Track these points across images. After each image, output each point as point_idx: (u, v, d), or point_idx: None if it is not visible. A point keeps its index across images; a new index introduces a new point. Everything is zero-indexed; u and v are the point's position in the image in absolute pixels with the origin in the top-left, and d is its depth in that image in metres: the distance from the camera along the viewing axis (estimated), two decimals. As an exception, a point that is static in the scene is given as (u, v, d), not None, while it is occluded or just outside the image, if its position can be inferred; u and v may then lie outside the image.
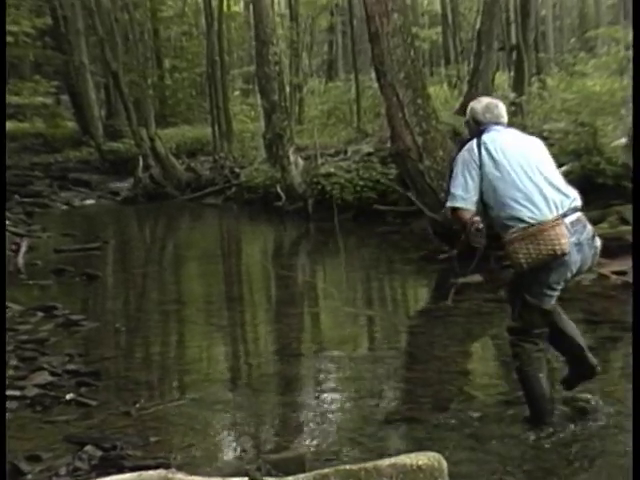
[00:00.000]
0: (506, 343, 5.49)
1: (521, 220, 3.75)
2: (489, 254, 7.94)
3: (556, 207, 3.77)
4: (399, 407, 4.61)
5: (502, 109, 4.09)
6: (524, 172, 3.82)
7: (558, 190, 3.85)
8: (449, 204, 3.96)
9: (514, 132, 4.11)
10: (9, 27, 26.18)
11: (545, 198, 3.78)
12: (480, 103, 4.12)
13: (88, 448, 3.91)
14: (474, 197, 3.88)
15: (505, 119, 4.09)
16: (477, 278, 7.63)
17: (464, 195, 3.88)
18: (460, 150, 4.10)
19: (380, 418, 4.37)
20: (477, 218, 3.90)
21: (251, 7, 16.05)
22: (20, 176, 20.65)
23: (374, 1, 8.67)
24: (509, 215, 3.79)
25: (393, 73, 8.73)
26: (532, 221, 3.71)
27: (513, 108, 11.97)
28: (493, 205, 3.86)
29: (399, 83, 8.71)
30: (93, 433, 4.21)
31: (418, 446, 3.85)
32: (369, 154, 13.42)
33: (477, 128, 4.04)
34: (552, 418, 3.95)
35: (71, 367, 5.32)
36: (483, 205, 3.91)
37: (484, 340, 6.22)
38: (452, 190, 3.94)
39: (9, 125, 27.85)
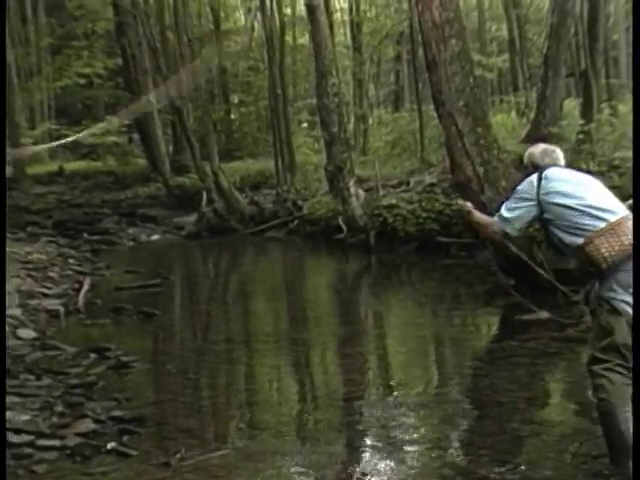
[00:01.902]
0: (576, 387, 5.17)
1: (591, 228, 3.77)
2: (556, 289, 7.57)
3: (623, 210, 3.86)
4: (454, 458, 4.29)
5: (559, 154, 4.22)
6: (588, 191, 3.92)
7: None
8: (500, 226, 4.13)
9: (573, 170, 4.19)
10: (83, 69, 27.11)
11: (611, 208, 3.85)
12: (537, 148, 4.28)
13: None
14: (518, 225, 4.06)
15: (562, 163, 4.19)
16: (543, 315, 7.27)
17: (514, 222, 4.05)
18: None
19: (432, 472, 4.06)
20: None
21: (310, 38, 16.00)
22: (90, 214, 21.06)
23: (430, 27, 8.43)
24: (576, 225, 3.81)
25: (452, 102, 8.45)
26: (603, 224, 3.74)
27: (582, 136, 11.55)
28: (558, 222, 3.90)
29: (458, 112, 8.43)
30: (130, 487, 4.03)
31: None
32: (432, 185, 13.14)
33: (535, 171, 4.12)
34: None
35: (116, 413, 5.15)
36: (545, 228, 4.02)
37: (551, 384, 5.83)
38: (505, 214, 4.09)
39: (83, 164, 28.66)
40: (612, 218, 3.76)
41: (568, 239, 3.85)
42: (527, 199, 3.99)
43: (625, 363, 3.63)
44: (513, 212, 4.04)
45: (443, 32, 8.46)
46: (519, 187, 4.11)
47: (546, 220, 3.96)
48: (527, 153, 4.29)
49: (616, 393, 3.62)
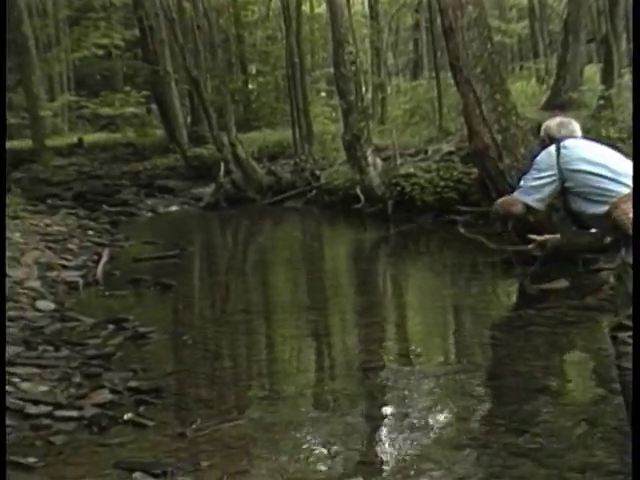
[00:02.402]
0: (594, 356, 5.12)
1: (614, 193, 3.71)
2: (577, 258, 7.51)
3: None
4: (472, 428, 4.27)
5: (576, 126, 4.17)
6: (608, 158, 3.88)
7: None
8: (516, 195, 4.10)
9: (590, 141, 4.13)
10: (101, 40, 27.04)
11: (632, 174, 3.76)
12: (554, 121, 4.24)
13: (137, 475, 3.76)
14: (539, 195, 3.99)
15: (579, 134, 4.13)
16: (562, 284, 7.20)
17: (531, 191, 4.01)
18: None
19: (449, 441, 4.04)
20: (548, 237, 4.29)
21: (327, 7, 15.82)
22: (109, 185, 21.14)
23: (447, -7, 8.28)
24: (600, 192, 3.75)
25: (469, 68, 8.32)
26: (627, 190, 3.66)
27: (602, 101, 11.35)
28: (581, 190, 3.83)
29: (476, 78, 8.30)
30: (145, 457, 4.04)
31: (490, 474, 3.55)
32: (450, 153, 13.00)
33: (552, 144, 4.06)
34: None
35: (133, 384, 5.18)
36: (565, 200, 3.94)
37: (569, 353, 5.78)
38: (523, 184, 4.06)
39: (102, 136, 28.71)
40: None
41: (592, 206, 3.79)
42: (547, 169, 3.94)
43: None
44: (534, 183, 3.99)
45: (460, -2, 8.31)
46: (537, 159, 4.06)
47: (567, 189, 3.90)
48: (543, 126, 4.25)
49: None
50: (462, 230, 7.34)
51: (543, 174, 3.95)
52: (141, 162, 24.28)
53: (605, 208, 3.70)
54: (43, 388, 5.09)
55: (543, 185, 3.94)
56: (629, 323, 3.66)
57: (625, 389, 3.68)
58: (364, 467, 3.84)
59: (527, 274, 7.70)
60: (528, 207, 4.08)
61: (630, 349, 3.61)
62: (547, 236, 4.32)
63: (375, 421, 4.50)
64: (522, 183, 4.06)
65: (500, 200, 4.39)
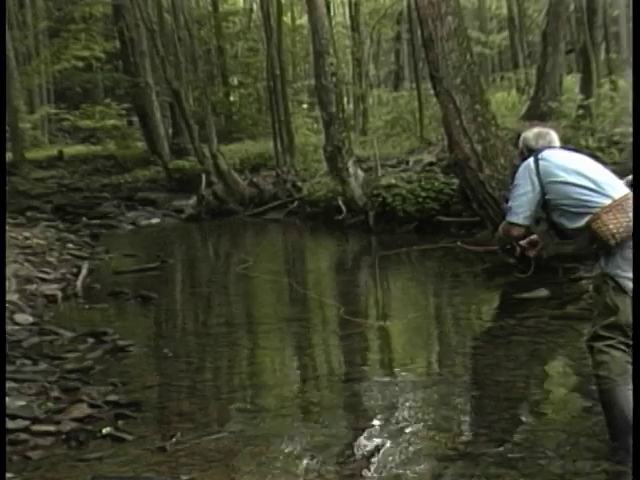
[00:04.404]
0: (576, 365, 5.13)
1: (595, 204, 3.72)
2: (557, 267, 7.54)
3: (622, 187, 3.83)
4: (453, 438, 4.25)
5: (554, 135, 4.15)
6: (587, 168, 3.88)
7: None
8: (507, 218, 4.07)
9: (568, 151, 4.12)
10: (81, 52, 26.95)
11: (613, 184, 3.82)
12: (531, 132, 4.21)
13: (115, 490, 3.70)
14: (528, 212, 3.96)
15: (557, 144, 4.11)
16: (542, 293, 7.22)
17: (518, 210, 3.98)
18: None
19: (430, 452, 4.02)
20: (534, 236, 4.21)
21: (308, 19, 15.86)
22: (89, 198, 21.05)
23: (426, 4, 8.33)
24: (580, 203, 3.75)
25: (449, 79, 8.38)
26: (608, 201, 3.69)
27: (581, 111, 11.43)
28: (562, 202, 3.83)
29: (455, 89, 8.35)
30: (125, 471, 3.98)
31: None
32: (431, 164, 13.07)
33: (530, 155, 4.05)
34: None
35: (112, 398, 5.12)
36: (547, 212, 3.94)
37: (550, 362, 5.78)
38: (510, 204, 4.04)
39: (82, 148, 28.56)
40: (615, 194, 3.71)
41: (574, 220, 3.79)
42: (527, 184, 3.92)
43: (628, 341, 3.59)
44: (518, 201, 3.96)
45: (439, 9, 8.36)
46: (517, 174, 4.05)
47: (548, 202, 3.89)
48: (521, 137, 4.23)
49: (618, 370, 3.59)
50: (459, 243, 7.35)
51: (525, 189, 3.93)
52: (122, 174, 24.18)
53: (587, 218, 3.71)
54: (21, 402, 5.00)
55: (527, 201, 3.92)
56: (605, 333, 3.67)
57: (603, 397, 3.69)
58: (347, 479, 3.81)
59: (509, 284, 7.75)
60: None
61: (607, 357, 3.63)
62: (532, 237, 4.31)
63: (357, 432, 4.46)
64: (509, 204, 4.04)
65: (499, 230, 4.28)
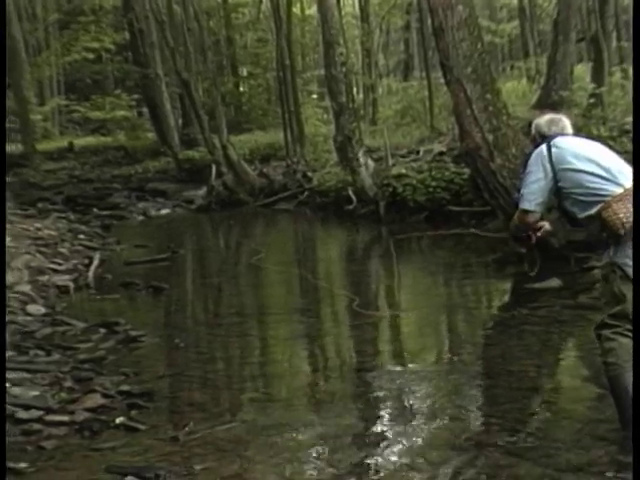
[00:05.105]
0: (587, 355, 5.11)
1: (606, 192, 3.70)
2: (569, 256, 7.51)
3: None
4: (466, 428, 4.24)
5: (566, 122, 4.12)
6: (600, 155, 3.86)
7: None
8: (520, 205, 4.01)
9: (581, 138, 4.10)
10: (91, 44, 26.96)
11: (625, 172, 3.78)
12: (544, 118, 4.18)
13: (129, 479, 3.72)
14: (540, 199, 3.93)
15: (570, 131, 4.08)
16: (555, 283, 7.20)
17: (530, 197, 3.94)
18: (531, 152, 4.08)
19: (442, 442, 4.02)
20: (544, 222, 4.13)
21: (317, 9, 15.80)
22: (100, 189, 21.10)
23: (437, -7, 8.28)
24: (592, 192, 3.73)
25: (460, 68, 8.33)
26: (620, 189, 3.68)
27: (592, 100, 11.36)
28: (574, 191, 3.81)
29: (466, 78, 8.30)
30: (137, 461, 4.00)
31: (484, 474, 3.52)
32: (441, 153, 13.02)
33: (543, 142, 4.02)
34: None
35: (124, 388, 5.14)
36: (559, 200, 3.92)
37: (563, 352, 5.76)
38: (522, 191, 4.01)
39: (93, 140, 28.62)
40: (627, 183, 3.68)
41: (584, 206, 3.78)
42: (540, 171, 3.89)
43: (632, 329, 3.58)
44: (530, 188, 3.92)
45: (450, -2, 8.31)
46: (530, 161, 4.00)
47: (560, 189, 3.87)
48: (534, 124, 4.20)
49: (625, 356, 3.58)
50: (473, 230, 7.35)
51: (537, 176, 3.89)
52: (132, 165, 24.23)
53: (598, 207, 3.69)
54: (34, 393, 5.03)
55: (539, 189, 3.89)
56: (612, 321, 3.66)
57: (612, 384, 3.68)
58: (358, 469, 3.81)
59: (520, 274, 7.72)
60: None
61: (614, 344, 3.62)
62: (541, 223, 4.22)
63: (369, 422, 4.47)
64: (522, 191, 4.00)
65: (514, 219, 4.19)
